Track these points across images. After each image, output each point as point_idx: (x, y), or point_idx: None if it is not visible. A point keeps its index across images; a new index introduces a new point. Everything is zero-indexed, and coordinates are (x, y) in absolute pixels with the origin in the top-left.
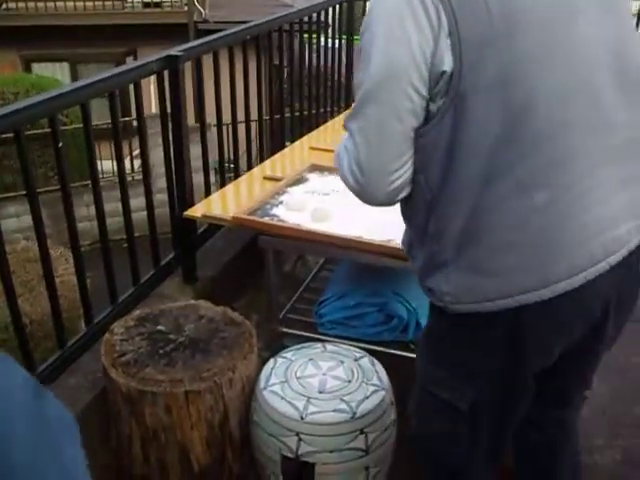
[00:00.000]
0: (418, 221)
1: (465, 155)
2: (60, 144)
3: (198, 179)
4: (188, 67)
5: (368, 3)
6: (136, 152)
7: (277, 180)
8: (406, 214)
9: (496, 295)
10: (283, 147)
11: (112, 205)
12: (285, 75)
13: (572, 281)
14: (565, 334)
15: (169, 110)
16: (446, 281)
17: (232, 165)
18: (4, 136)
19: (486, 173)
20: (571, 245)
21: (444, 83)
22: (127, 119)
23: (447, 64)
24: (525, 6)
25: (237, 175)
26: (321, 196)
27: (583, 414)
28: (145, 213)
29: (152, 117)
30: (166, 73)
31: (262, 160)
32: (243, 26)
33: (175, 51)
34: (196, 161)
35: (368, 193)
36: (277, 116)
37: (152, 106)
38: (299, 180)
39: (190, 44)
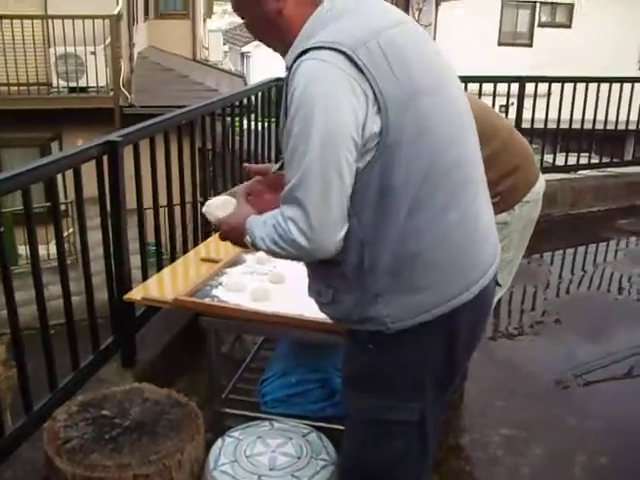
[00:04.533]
0: (352, 260)
1: (395, 197)
2: (2, 229)
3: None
4: None
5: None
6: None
7: (214, 262)
8: (337, 258)
9: (431, 306)
10: (209, 230)
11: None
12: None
13: (480, 283)
14: (481, 326)
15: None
16: (385, 306)
17: (159, 249)
18: None
19: (410, 207)
20: (478, 253)
21: (373, 142)
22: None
23: (376, 126)
24: (420, 72)
25: (173, 258)
26: (260, 276)
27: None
28: (75, 299)
29: (88, 200)
30: (105, 158)
31: (197, 243)
32: (179, 111)
33: (114, 136)
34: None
35: (321, 249)
36: (209, 199)
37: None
38: (237, 261)
39: (128, 129)
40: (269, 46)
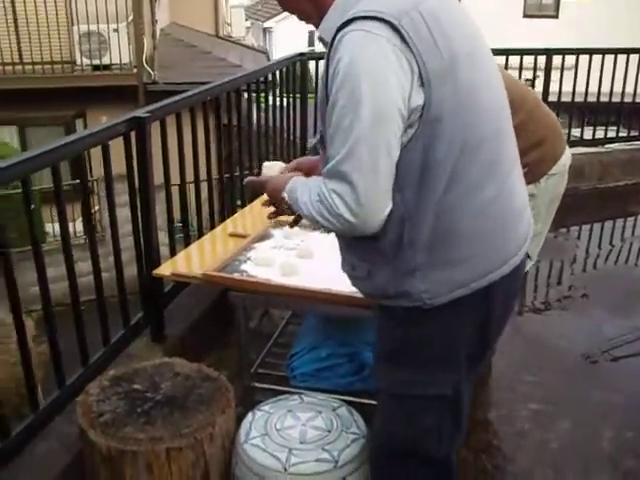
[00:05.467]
0: (392, 235)
1: (436, 170)
2: (33, 206)
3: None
4: None
5: (334, 61)
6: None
7: (242, 237)
8: (377, 234)
9: (469, 280)
10: (235, 205)
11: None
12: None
13: (518, 256)
14: (514, 300)
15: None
16: (422, 280)
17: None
18: None
19: (448, 180)
20: (514, 227)
21: (416, 115)
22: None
23: (420, 99)
24: (458, 43)
25: (201, 234)
26: (287, 251)
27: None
28: (104, 275)
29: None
30: (133, 134)
31: (224, 219)
32: (204, 87)
33: (141, 112)
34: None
35: (367, 225)
36: (235, 174)
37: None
38: (265, 236)
39: (155, 105)
40: (301, 17)
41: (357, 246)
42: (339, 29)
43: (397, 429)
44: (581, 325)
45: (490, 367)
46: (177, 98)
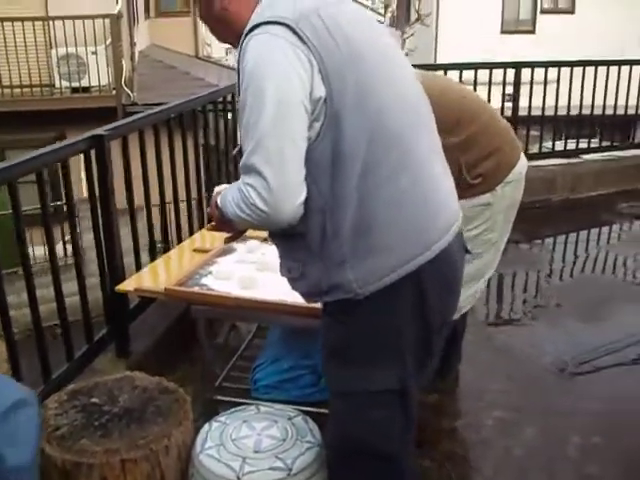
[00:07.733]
0: (315, 228)
1: (347, 162)
2: None
3: (129, 260)
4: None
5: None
6: (68, 237)
7: (206, 252)
8: (300, 230)
9: (395, 266)
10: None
11: (43, 291)
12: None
13: (441, 243)
14: (452, 292)
15: (97, 188)
16: (350, 271)
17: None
18: None
19: (361, 171)
20: (436, 215)
21: (320, 108)
22: (58, 203)
23: (321, 92)
24: (356, 39)
25: (167, 249)
26: (248, 264)
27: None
28: (77, 298)
29: (83, 201)
30: (93, 152)
31: (192, 234)
32: (167, 105)
33: (101, 130)
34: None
35: (280, 214)
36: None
37: (83, 190)
38: (227, 250)
39: (115, 123)
40: (229, 42)
41: (288, 247)
42: (245, 35)
43: (346, 428)
44: (553, 335)
45: (457, 376)
46: (138, 116)
